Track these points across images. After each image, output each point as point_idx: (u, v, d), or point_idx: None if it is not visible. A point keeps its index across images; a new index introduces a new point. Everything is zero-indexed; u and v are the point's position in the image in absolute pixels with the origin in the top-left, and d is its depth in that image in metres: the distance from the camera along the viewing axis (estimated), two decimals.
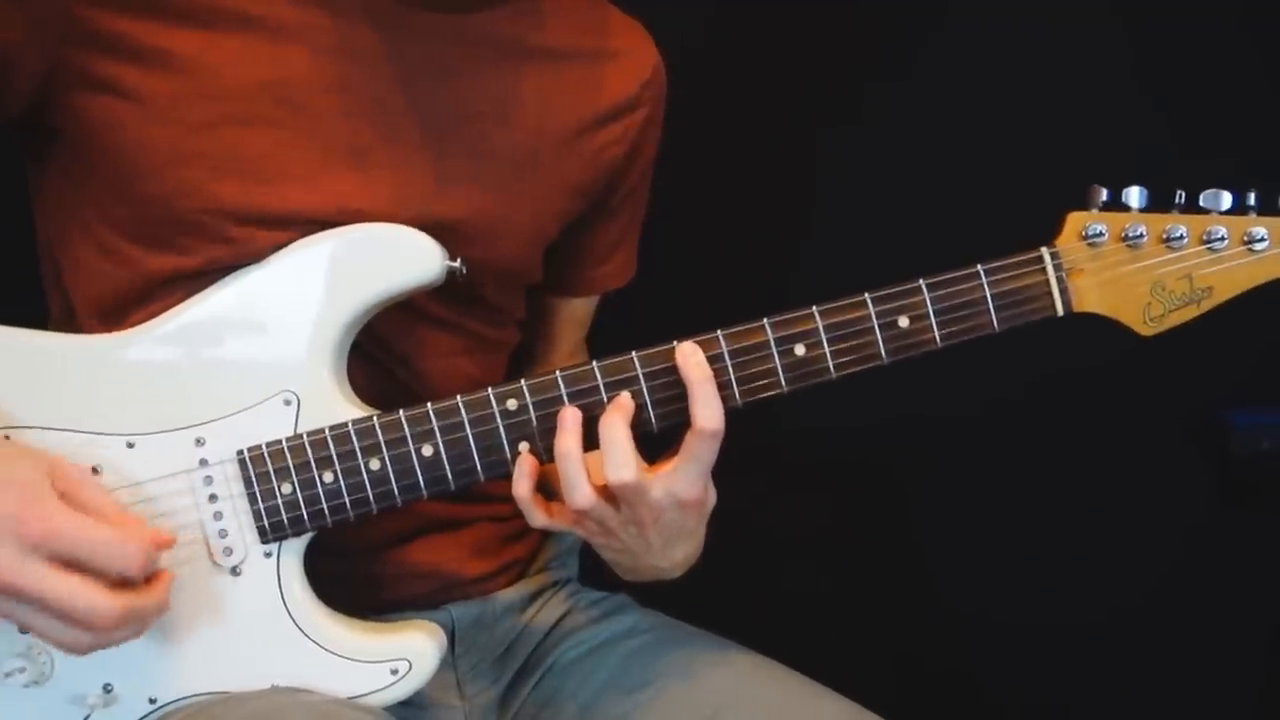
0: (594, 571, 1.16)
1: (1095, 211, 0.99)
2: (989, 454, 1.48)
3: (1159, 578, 1.61)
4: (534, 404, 0.98)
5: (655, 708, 1.07)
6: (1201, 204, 1.00)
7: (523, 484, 0.97)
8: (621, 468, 0.93)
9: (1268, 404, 1.43)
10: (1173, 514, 1.57)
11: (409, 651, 1.00)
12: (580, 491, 0.94)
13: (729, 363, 0.97)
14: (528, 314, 1.19)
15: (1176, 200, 1.00)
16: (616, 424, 0.94)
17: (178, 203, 0.97)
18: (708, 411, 0.95)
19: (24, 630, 0.92)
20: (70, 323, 1.05)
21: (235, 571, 0.98)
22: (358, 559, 1.06)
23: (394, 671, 0.99)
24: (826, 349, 0.98)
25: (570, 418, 0.95)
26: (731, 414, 0.96)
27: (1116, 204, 1.00)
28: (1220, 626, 1.62)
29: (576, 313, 1.25)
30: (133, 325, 0.99)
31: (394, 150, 1.01)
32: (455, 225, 1.03)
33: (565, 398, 0.97)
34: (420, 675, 1.00)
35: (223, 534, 0.97)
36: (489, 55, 1.04)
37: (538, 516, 0.98)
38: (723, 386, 0.96)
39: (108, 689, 0.97)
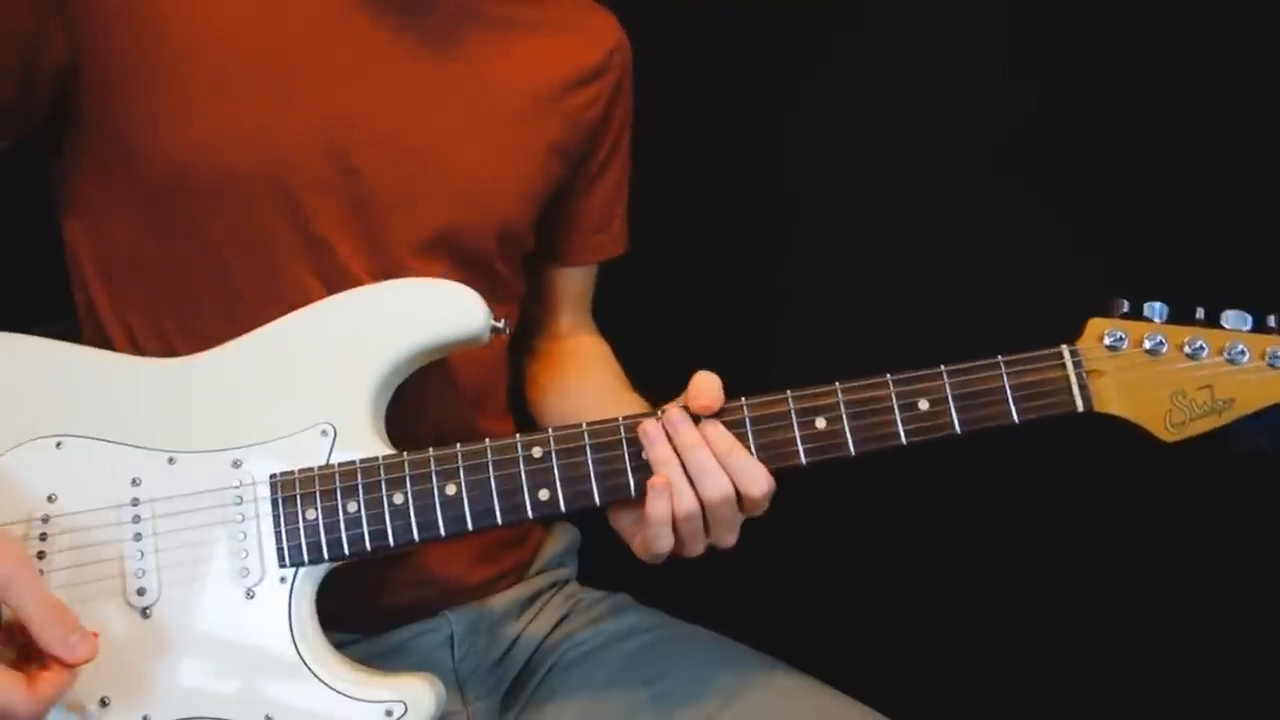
0: (594, 571, 1.15)
1: (1117, 319, 1.03)
2: (988, 454, 1.43)
3: (1158, 578, 1.55)
4: (557, 453, 1.00)
5: (656, 707, 1.07)
6: (1223, 324, 1.02)
7: (662, 505, 0.98)
8: (761, 479, 0.97)
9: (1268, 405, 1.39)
10: (1172, 513, 1.51)
11: (406, 695, 0.99)
12: (688, 497, 0.97)
13: (749, 429, 1.00)
14: (532, 294, 1.24)
15: (1197, 316, 1.03)
16: (732, 442, 0.98)
17: (193, 172, 1.03)
18: (752, 477, 0.98)
19: None
20: (93, 317, 1.11)
21: (250, 594, 0.99)
22: (366, 566, 1.07)
23: (389, 713, 0.98)
24: (846, 424, 1.00)
25: (655, 428, 0.98)
26: None
27: (1137, 315, 1.03)
28: (1220, 627, 1.55)
29: (576, 285, 1.30)
30: (162, 322, 1.06)
31: (386, 114, 1.09)
32: (450, 182, 1.10)
33: (589, 449, 1.00)
34: (416, 719, 0.98)
35: (245, 554, 1.00)
36: (467, 26, 1.13)
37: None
38: None
39: (104, 702, 0.97)
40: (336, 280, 1.06)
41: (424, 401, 1.11)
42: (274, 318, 1.04)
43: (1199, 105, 1.53)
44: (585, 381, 1.23)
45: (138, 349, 1.09)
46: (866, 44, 1.60)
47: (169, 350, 1.05)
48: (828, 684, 1.10)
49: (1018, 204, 1.55)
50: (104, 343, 1.10)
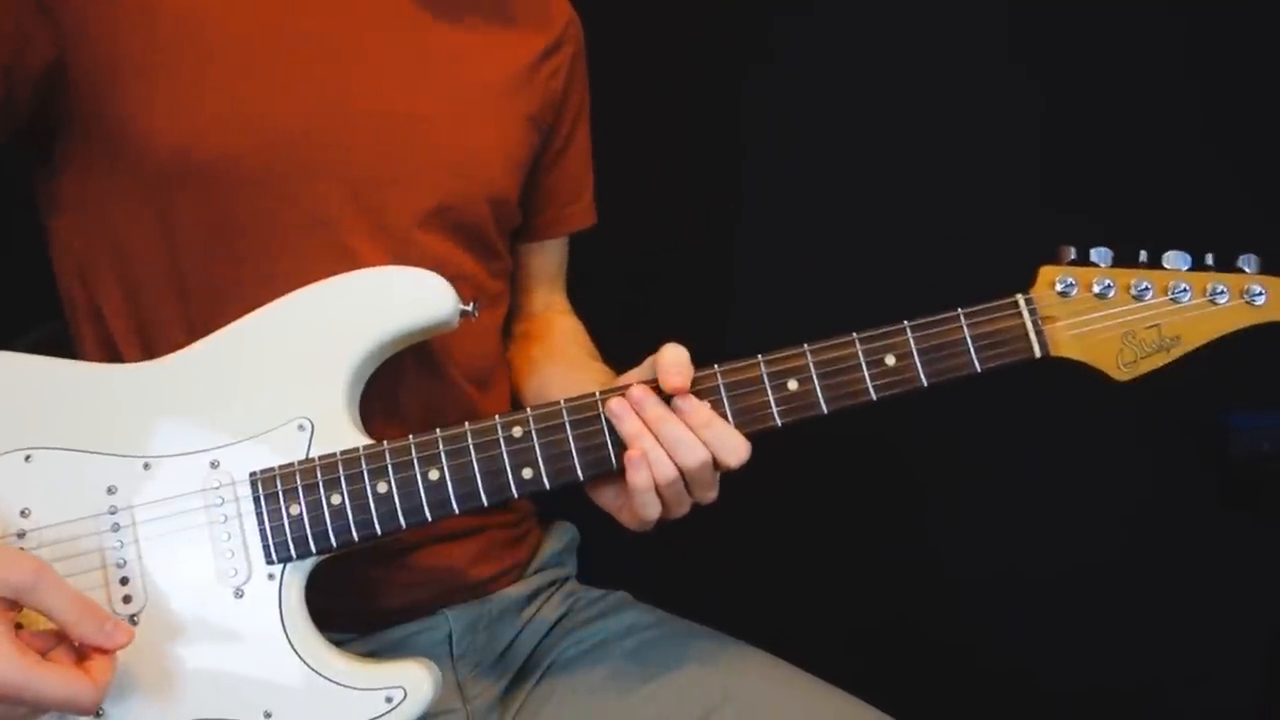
0: (593, 569, 1.17)
1: (1066, 266, 1.07)
2: (989, 454, 1.49)
3: (1159, 578, 1.61)
4: (537, 431, 1.02)
5: (655, 704, 1.08)
6: (1164, 264, 1.07)
7: (642, 475, 0.99)
8: (740, 449, 0.99)
9: (1268, 406, 1.45)
10: (1173, 514, 1.57)
11: (404, 680, 1.00)
12: (666, 466, 0.98)
13: (724, 395, 1.02)
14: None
15: (1140, 259, 1.07)
16: (709, 414, 0.99)
17: (189, 159, 1.03)
18: (731, 447, 0.99)
19: None
20: (91, 316, 1.10)
21: (238, 593, 0.99)
22: (363, 566, 1.07)
23: (389, 700, 0.99)
24: (817, 384, 1.02)
25: (621, 406, 0.99)
26: None
27: (1084, 261, 1.07)
28: (1220, 627, 1.61)
29: (550, 262, 1.33)
30: (167, 314, 1.05)
31: (373, 91, 1.09)
32: (442, 155, 1.11)
33: (568, 425, 1.01)
34: (416, 703, 0.99)
35: (230, 554, 0.99)
36: (440, 7, 1.15)
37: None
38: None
39: (99, 714, 0.96)
40: (340, 261, 1.06)
41: (422, 385, 1.12)
42: None
43: (1142, 55, 1.57)
44: (554, 358, 1.24)
45: (145, 343, 1.07)
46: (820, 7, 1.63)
47: (176, 343, 1.03)
48: (826, 680, 1.12)
49: (964, 160, 1.59)
50: (104, 341, 1.09)
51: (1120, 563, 1.64)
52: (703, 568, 1.06)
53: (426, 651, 1.13)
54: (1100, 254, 1.07)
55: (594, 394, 1.02)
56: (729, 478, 1.02)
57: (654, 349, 1.04)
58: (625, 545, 1.10)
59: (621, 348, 1.18)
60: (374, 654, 1.11)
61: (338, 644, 1.03)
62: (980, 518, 1.64)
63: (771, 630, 1.17)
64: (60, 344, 1.08)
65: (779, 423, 1.02)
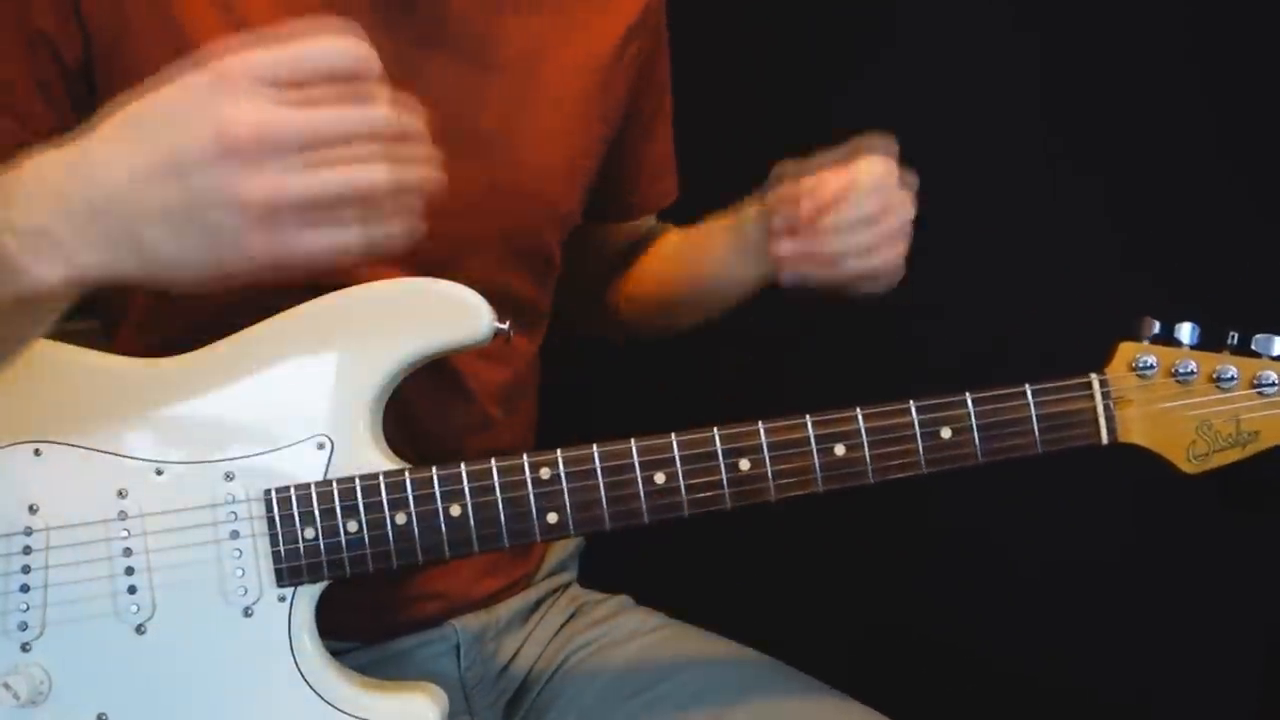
0: (594, 572, 1.15)
1: (1146, 343, 0.99)
2: None
3: (1158, 578, 1.60)
4: (567, 475, 0.97)
5: (658, 709, 1.07)
6: (1254, 348, 0.99)
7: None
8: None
9: None
10: (1173, 514, 1.55)
11: (410, 712, 0.98)
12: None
13: (766, 455, 0.97)
14: (585, 255, 1.23)
15: (1229, 340, 0.99)
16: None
17: None
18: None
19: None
20: (121, 320, 1.06)
21: (247, 613, 0.97)
22: (372, 581, 1.04)
23: None
24: (866, 451, 0.97)
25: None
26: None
27: (1168, 338, 0.99)
28: (1219, 627, 1.60)
29: (634, 236, 1.29)
30: (198, 328, 1.00)
31: (433, 112, 1.02)
32: (502, 180, 1.05)
33: (600, 473, 0.97)
34: None
35: (239, 572, 0.96)
36: (502, 16, 1.06)
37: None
38: (758, 479, 0.96)
39: (102, 718, 0.95)
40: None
41: (442, 400, 1.08)
42: None
43: (1229, 115, 1.47)
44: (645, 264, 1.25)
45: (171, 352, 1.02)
46: (894, 63, 1.53)
47: None
48: (829, 685, 1.11)
49: (1040, 218, 1.49)
50: (132, 351, 1.03)
51: (1120, 563, 1.62)
52: (705, 571, 1.04)
53: (434, 662, 1.12)
54: (1185, 331, 0.99)
55: (629, 443, 0.97)
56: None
57: (699, 356, 0.98)
58: (628, 549, 1.08)
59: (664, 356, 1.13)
60: (381, 663, 1.10)
61: (344, 653, 1.02)
62: (979, 519, 1.61)
63: (775, 634, 1.16)
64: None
65: (820, 489, 0.98)
